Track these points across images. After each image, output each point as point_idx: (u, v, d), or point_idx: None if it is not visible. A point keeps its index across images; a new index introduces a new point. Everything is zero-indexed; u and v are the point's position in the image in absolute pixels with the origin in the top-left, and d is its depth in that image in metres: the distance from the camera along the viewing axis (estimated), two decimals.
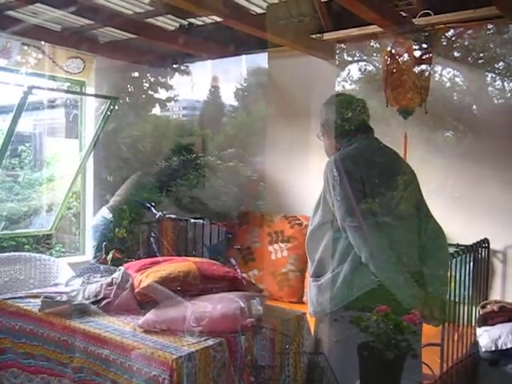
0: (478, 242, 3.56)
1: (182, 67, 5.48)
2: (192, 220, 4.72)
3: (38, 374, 2.50)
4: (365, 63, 4.78)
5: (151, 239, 4.58)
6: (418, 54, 3.66)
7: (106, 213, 4.40)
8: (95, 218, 4.50)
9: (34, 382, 2.50)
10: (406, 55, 3.62)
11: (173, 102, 6.58)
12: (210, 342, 2.10)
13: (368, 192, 2.35)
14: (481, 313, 3.50)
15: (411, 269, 2.34)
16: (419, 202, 2.50)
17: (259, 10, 4.10)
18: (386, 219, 2.35)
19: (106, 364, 2.16)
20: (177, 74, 5.85)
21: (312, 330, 2.61)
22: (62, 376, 2.38)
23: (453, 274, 2.96)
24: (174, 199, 4.72)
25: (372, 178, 2.39)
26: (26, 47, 4.16)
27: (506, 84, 4.01)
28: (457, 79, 4.25)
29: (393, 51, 3.63)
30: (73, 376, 2.30)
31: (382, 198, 2.37)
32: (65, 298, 2.51)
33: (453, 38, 4.12)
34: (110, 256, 3.07)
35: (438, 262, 2.43)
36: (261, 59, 5.17)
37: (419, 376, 2.47)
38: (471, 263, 3.38)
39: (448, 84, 4.24)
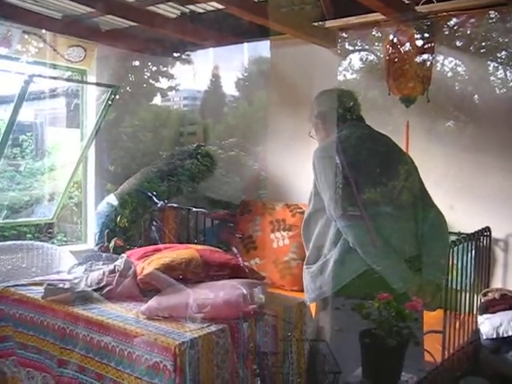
0: (479, 231, 3.56)
1: (184, 56, 5.46)
2: (194, 209, 4.72)
3: (25, 367, 2.51)
4: (366, 52, 4.76)
5: (153, 228, 4.59)
6: (420, 43, 3.64)
7: (112, 199, 4.41)
8: (101, 204, 4.51)
9: (21, 374, 2.52)
10: (407, 44, 3.61)
11: (174, 91, 6.55)
12: (213, 329, 2.10)
13: (354, 177, 2.37)
14: (482, 300, 3.51)
15: (404, 255, 2.37)
16: (417, 190, 2.50)
17: None
18: (374, 204, 2.36)
19: (101, 354, 2.16)
20: (178, 62, 5.82)
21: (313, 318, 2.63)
22: (46, 371, 2.40)
23: (455, 262, 2.97)
24: (177, 189, 4.72)
25: (358, 163, 2.42)
26: (26, 35, 4.14)
27: (508, 73, 3.99)
28: (459, 68, 4.23)
29: (395, 40, 3.61)
30: (55, 371, 2.31)
31: (369, 182, 2.39)
32: (67, 285, 2.52)
33: (455, 27, 4.10)
34: (111, 244, 3.08)
35: (436, 250, 2.44)
36: (262, 47, 5.15)
37: (421, 363, 2.49)
38: (473, 251, 3.39)
39: (450, 73, 4.23)
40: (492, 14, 3.89)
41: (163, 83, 6.24)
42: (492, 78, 4.07)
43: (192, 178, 4.80)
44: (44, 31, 4.23)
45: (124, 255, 2.71)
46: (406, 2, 3.70)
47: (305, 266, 2.57)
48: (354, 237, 2.32)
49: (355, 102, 2.60)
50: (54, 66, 4.46)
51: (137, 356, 2.04)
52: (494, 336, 3.20)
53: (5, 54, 4.08)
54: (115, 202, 4.37)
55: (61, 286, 2.52)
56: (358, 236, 2.32)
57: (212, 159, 4.98)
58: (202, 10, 4.35)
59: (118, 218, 4.32)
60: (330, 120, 2.55)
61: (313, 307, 2.63)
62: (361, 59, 4.78)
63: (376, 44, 4.62)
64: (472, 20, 4.00)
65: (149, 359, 2.00)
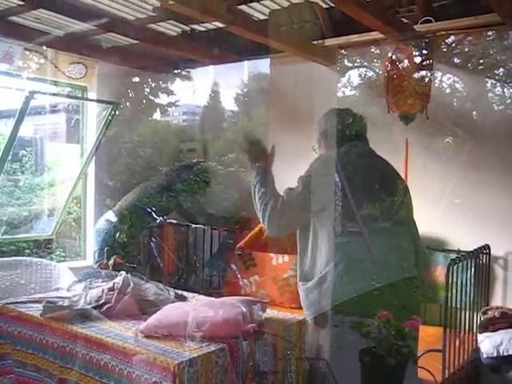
0: (479, 248, 3.55)
1: (184, 72, 5.50)
2: (193, 225, 4.72)
3: None
4: (365, 69, 4.79)
5: (152, 244, 4.57)
6: (418, 60, 3.67)
7: (111, 216, 4.39)
8: (99, 221, 4.49)
9: None
10: (406, 61, 3.64)
11: (173, 107, 6.59)
12: (212, 348, 2.09)
13: (353, 193, 2.40)
14: (482, 319, 3.49)
15: (403, 272, 2.38)
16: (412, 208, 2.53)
17: (261, 17, 4.13)
18: (373, 220, 2.38)
19: (101, 373, 2.15)
20: (178, 79, 5.86)
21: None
22: None
23: (454, 280, 2.97)
24: (177, 205, 4.70)
25: (356, 178, 2.46)
26: (28, 52, 4.17)
27: (506, 90, 4.02)
28: (457, 85, 4.25)
29: (394, 57, 3.64)
30: None
31: (368, 198, 2.42)
32: (66, 302, 2.51)
33: (453, 45, 4.13)
34: (111, 261, 3.07)
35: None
36: (262, 65, 5.18)
37: (417, 381, 2.48)
38: (472, 269, 3.38)
39: (448, 90, 4.25)
40: (490, 32, 3.93)
41: (163, 99, 6.28)
42: (490, 94, 4.09)
43: (191, 194, 4.79)
44: (45, 48, 4.27)
45: (123, 272, 2.70)
46: (405, 21, 3.73)
47: (300, 283, 2.56)
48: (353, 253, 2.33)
49: (356, 122, 2.63)
50: (55, 83, 4.49)
51: (136, 376, 2.02)
52: (495, 355, 3.18)
53: (6, 71, 4.11)
54: (114, 219, 4.36)
55: (60, 303, 2.51)
56: (356, 252, 2.33)
57: (209, 174, 4.97)
58: (202, 29, 4.39)
59: (117, 234, 4.31)
60: (331, 138, 2.61)
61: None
62: (359, 75, 4.81)
63: (375, 61, 4.65)
64: (470, 38, 4.03)
65: (148, 379, 1.98)
